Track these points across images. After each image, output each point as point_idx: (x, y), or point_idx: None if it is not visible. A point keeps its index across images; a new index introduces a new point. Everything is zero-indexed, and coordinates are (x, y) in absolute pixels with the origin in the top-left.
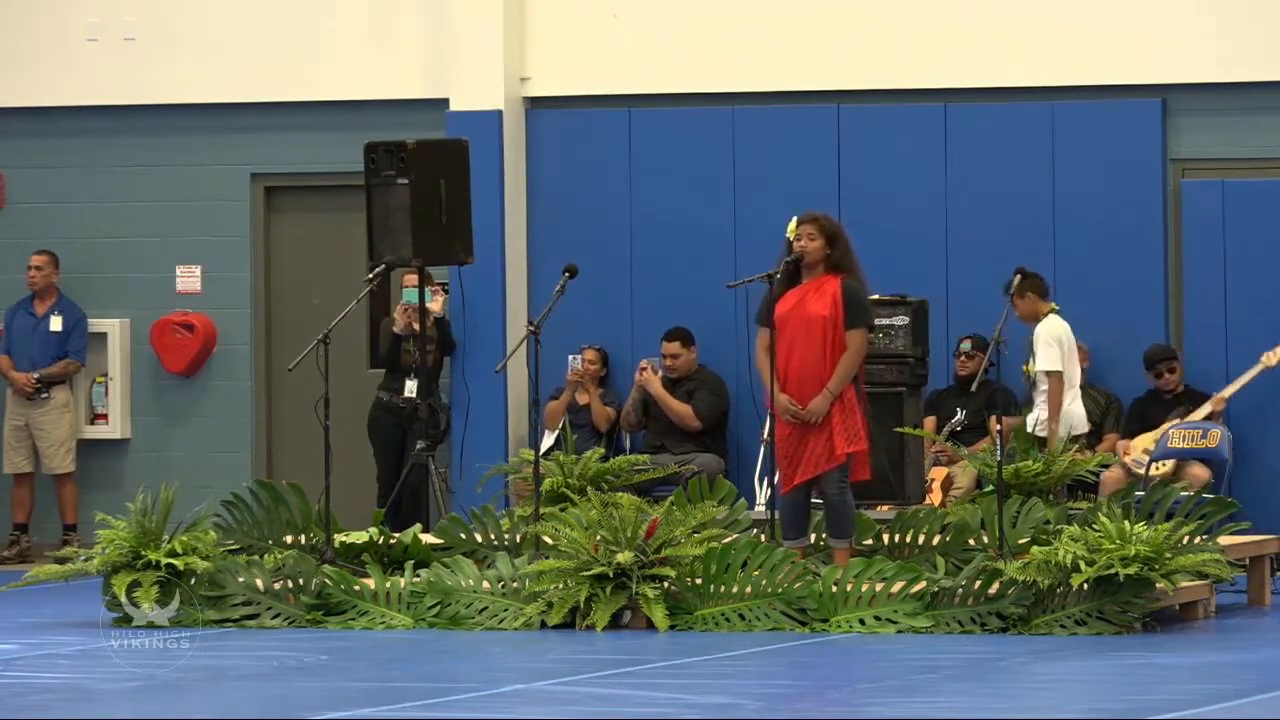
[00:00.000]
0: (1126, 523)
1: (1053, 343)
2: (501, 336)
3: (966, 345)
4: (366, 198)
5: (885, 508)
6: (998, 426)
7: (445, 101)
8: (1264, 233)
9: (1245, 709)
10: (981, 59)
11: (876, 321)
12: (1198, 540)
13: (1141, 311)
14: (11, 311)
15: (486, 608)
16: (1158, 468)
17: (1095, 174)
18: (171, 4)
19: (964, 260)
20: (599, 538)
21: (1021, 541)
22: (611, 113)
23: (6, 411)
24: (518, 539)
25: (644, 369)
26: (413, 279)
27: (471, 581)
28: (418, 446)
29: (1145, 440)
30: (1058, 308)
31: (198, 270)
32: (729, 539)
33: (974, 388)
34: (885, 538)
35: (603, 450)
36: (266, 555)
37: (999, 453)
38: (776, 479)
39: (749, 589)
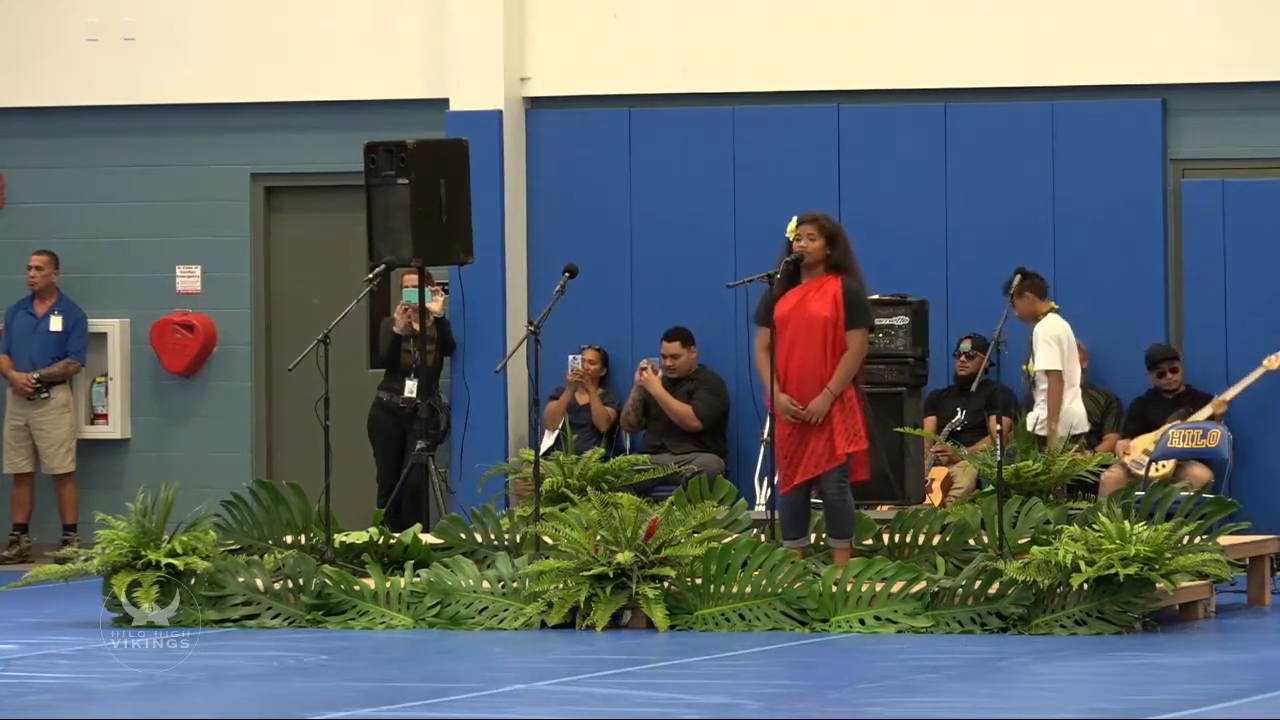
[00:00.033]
0: (1126, 523)
1: (1052, 342)
2: (501, 336)
3: (966, 345)
4: (366, 198)
5: (885, 508)
6: (998, 426)
7: (445, 101)
8: (1264, 233)
9: (1245, 709)
10: (981, 59)
11: (876, 321)
12: (1198, 540)
13: (1141, 311)
14: (11, 311)
15: (486, 608)
16: (1158, 468)
17: (1095, 174)
18: (171, 4)
19: (964, 260)
20: (599, 538)
21: (1021, 541)
22: (611, 113)
23: (6, 411)
24: (518, 539)
25: (644, 369)
26: (413, 279)
27: (471, 581)
28: (418, 446)
29: (1145, 441)
30: (1057, 307)
31: (198, 270)
32: (729, 539)
33: (974, 388)
34: (885, 538)
35: (603, 450)
36: (266, 555)
37: (999, 453)
38: (776, 479)
39: (749, 589)
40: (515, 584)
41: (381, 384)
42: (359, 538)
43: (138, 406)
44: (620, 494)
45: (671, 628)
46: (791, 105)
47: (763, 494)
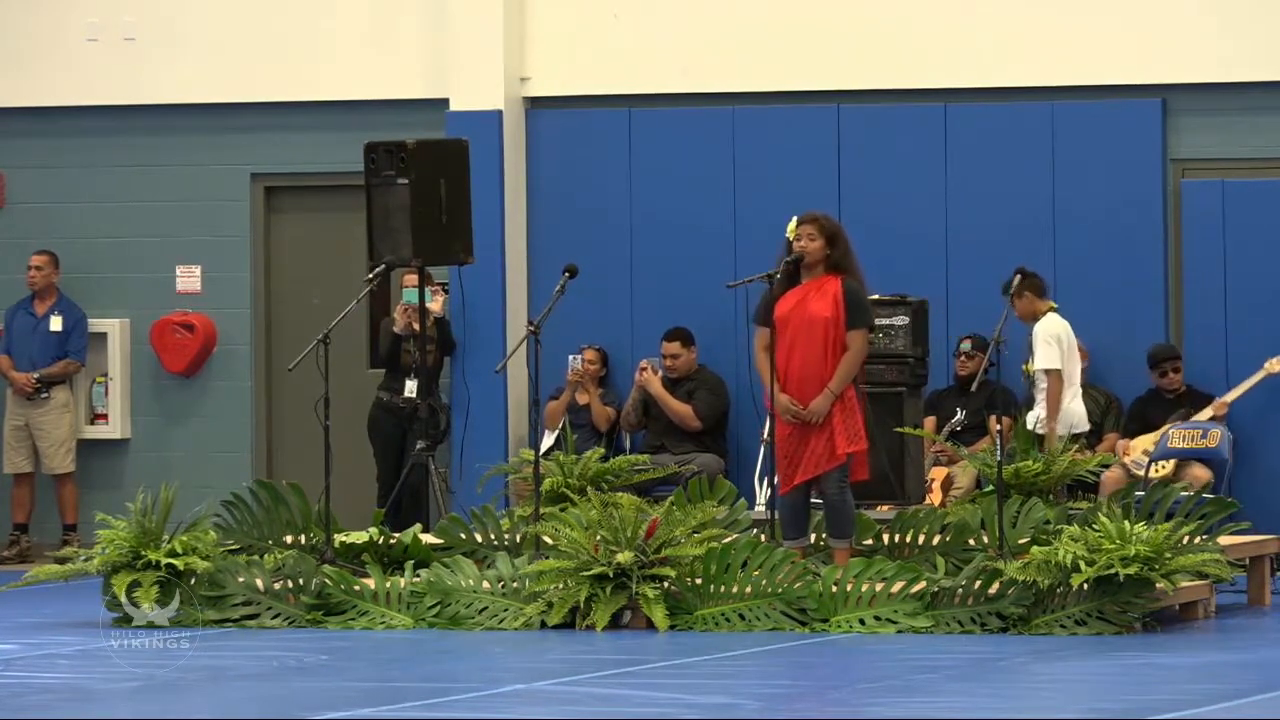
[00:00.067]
0: (1126, 523)
1: (1051, 341)
2: (501, 336)
3: (966, 345)
4: (366, 198)
5: (885, 508)
6: (998, 426)
7: (445, 101)
8: (1264, 233)
9: (1245, 709)
10: (981, 59)
11: (876, 321)
12: (1198, 540)
13: (1141, 311)
14: (11, 311)
15: (486, 608)
16: (1158, 468)
17: (1095, 174)
18: (171, 4)
19: (964, 260)
20: (599, 538)
21: (1021, 541)
22: (611, 113)
23: (6, 411)
24: (518, 539)
25: (644, 369)
26: (413, 279)
27: (471, 581)
28: (418, 446)
29: (1145, 441)
30: (1056, 306)
31: (198, 270)
32: (729, 539)
33: (974, 388)
34: (885, 538)
35: (603, 450)
36: (266, 555)
37: (999, 453)
38: (776, 479)
39: (749, 589)
40: (515, 584)
41: (381, 384)
42: (359, 538)
43: (138, 406)
44: (620, 494)
45: (671, 628)
46: (791, 105)
47: (763, 494)
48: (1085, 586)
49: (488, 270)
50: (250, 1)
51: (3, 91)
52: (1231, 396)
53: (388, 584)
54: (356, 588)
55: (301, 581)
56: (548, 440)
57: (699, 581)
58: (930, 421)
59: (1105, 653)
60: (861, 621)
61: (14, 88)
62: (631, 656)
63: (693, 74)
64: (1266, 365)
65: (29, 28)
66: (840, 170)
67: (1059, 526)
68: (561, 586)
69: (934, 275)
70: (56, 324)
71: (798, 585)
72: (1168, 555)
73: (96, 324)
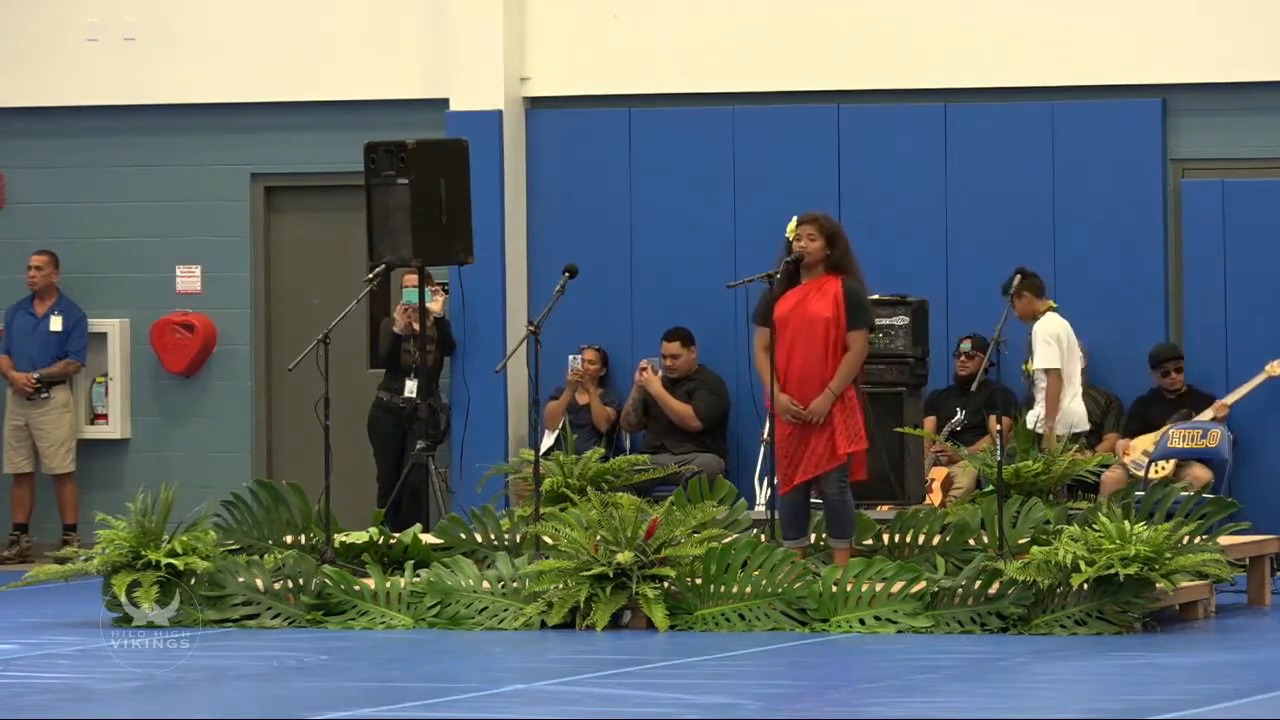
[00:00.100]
0: (1126, 523)
1: (1051, 340)
2: (501, 336)
3: (966, 345)
4: (366, 198)
5: (885, 508)
6: (998, 426)
7: (445, 101)
8: (1264, 233)
9: (1245, 709)
10: (981, 59)
11: (876, 321)
12: (1198, 540)
13: (1141, 311)
14: (11, 311)
15: (486, 608)
16: (1158, 469)
17: (1095, 174)
18: (171, 4)
19: (964, 260)
20: (599, 538)
21: (1021, 541)
22: (611, 113)
23: (6, 411)
24: (518, 539)
25: (644, 369)
26: (413, 279)
27: (471, 581)
28: (418, 446)
29: (1145, 441)
30: (1055, 305)
31: (198, 270)
32: (729, 539)
33: (974, 388)
34: (885, 538)
35: (603, 450)
36: (266, 555)
37: (999, 453)
38: (776, 479)
39: (749, 589)
40: (515, 584)
41: (381, 384)
42: (359, 538)
43: (138, 406)
44: (620, 494)
45: (671, 628)
46: (791, 105)
47: (763, 494)
48: (1085, 586)
49: (488, 270)
50: (250, 1)
51: (3, 91)
52: (1232, 398)
53: (388, 584)
54: (356, 588)
55: (301, 581)
56: (548, 440)
57: (699, 581)
58: (930, 421)
59: (1105, 653)
60: (861, 621)
61: (14, 88)
62: (631, 656)
63: (693, 74)
64: (1268, 368)
65: (29, 28)
66: (840, 170)
67: (1059, 526)
68: (561, 586)
69: (934, 275)
70: (56, 324)
71: (798, 585)
72: (1168, 555)
73: (96, 324)
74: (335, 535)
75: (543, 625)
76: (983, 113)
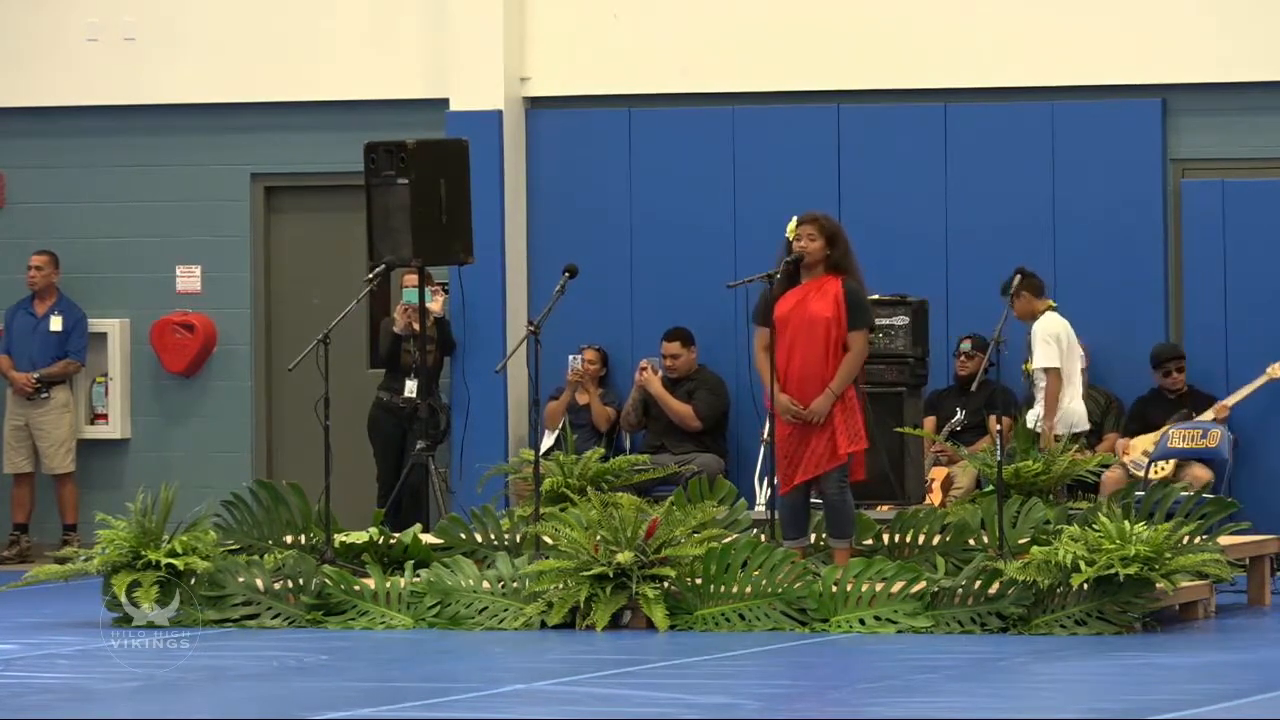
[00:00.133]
0: (1126, 523)
1: (1050, 340)
2: (501, 336)
3: (966, 345)
4: (366, 198)
5: (885, 508)
6: (998, 426)
7: (445, 101)
8: (1264, 233)
9: (1245, 709)
10: (981, 59)
11: (876, 321)
12: (1198, 540)
13: (1141, 311)
14: (11, 311)
15: (486, 608)
16: (1158, 469)
17: (1095, 174)
18: (171, 4)
19: (964, 260)
20: (599, 538)
21: (1021, 541)
22: (611, 113)
23: (6, 411)
24: (518, 539)
25: (644, 369)
26: (413, 279)
27: (471, 581)
28: (418, 446)
29: (1145, 441)
30: (1054, 305)
31: (198, 270)
32: (729, 539)
33: (974, 388)
34: (885, 538)
35: (603, 450)
36: (266, 555)
37: (999, 453)
38: (776, 479)
39: (749, 589)
40: (515, 584)
41: (381, 384)
42: (359, 538)
43: (138, 406)
44: (620, 494)
45: (671, 628)
46: (791, 105)
47: (763, 494)
48: (1085, 586)
49: (488, 270)
50: (250, 1)
51: (3, 91)
52: (1233, 400)
53: (388, 584)
54: (356, 588)
55: (301, 581)
56: (548, 440)
57: (699, 581)
58: (930, 421)
59: (1105, 653)
60: (861, 621)
61: (14, 88)
62: (631, 656)
63: (693, 74)
64: (1269, 370)
65: (29, 28)
66: (840, 170)
67: (1059, 526)
68: (561, 586)
69: (934, 275)
70: (56, 324)
71: (798, 585)
72: (1168, 555)
73: (96, 324)
74: (335, 535)
75: (543, 625)
76: (983, 113)
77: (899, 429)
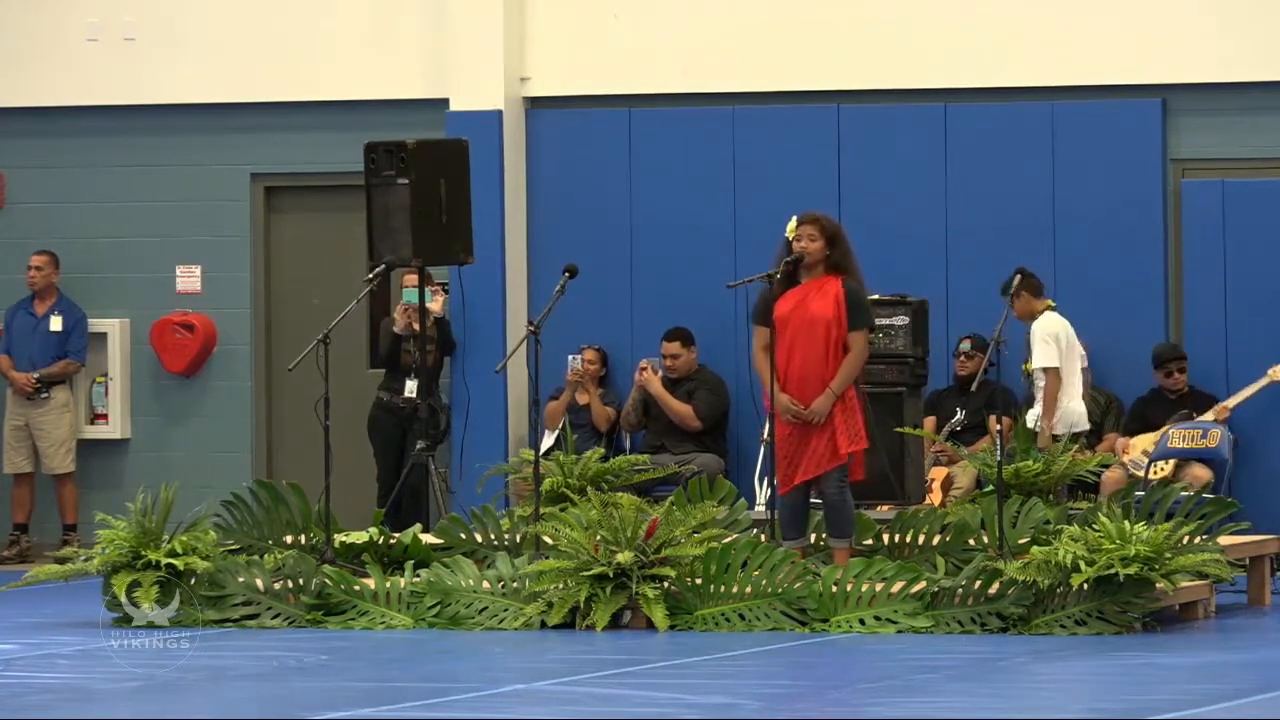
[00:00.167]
0: (1126, 523)
1: (1049, 340)
2: (501, 336)
3: (966, 345)
4: (366, 198)
5: (885, 508)
6: (998, 426)
7: (445, 101)
8: (1264, 233)
9: (1245, 709)
10: (981, 59)
11: (876, 321)
12: (1198, 540)
13: (1141, 311)
14: (11, 311)
15: (486, 608)
16: (1157, 469)
17: (1095, 174)
18: (171, 4)
19: (964, 260)
20: (599, 538)
21: (1021, 541)
22: (611, 113)
23: (6, 411)
24: (518, 539)
25: (644, 369)
26: (413, 279)
27: (471, 581)
28: (418, 446)
29: (1145, 441)
30: (1054, 304)
31: (198, 270)
32: (729, 539)
33: (974, 388)
34: (885, 538)
35: (603, 450)
36: (266, 555)
37: (999, 453)
38: (776, 479)
39: (749, 589)
40: (515, 584)
41: (381, 384)
42: (359, 538)
43: (138, 406)
44: (620, 494)
45: (671, 628)
46: (791, 105)
47: (763, 494)
48: (1085, 586)
49: (488, 270)
50: (250, 1)
51: (3, 91)
52: (1234, 401)
53: (388, 584)
54: (356, 588)
55: (301, 581)
56: (548, 440)
57: (699, 581)
58: (930, 421)
59: (1105, 653)
60: (861, 621)
61: (14, 88)
62: (631, 656)
63: (693, 74)
64: (1270, 372)
65: (29, 28)
66: (840, 170)
67: (1059, 526)
68: (561, 586)
69: (934, 275)
70: (56, 324)
71: (798, 585)
72: (1168, 555)
73: (96, 324)
74: (335, 535)
75: (543, 625)
76: (983, 113)
77: (899, 429)
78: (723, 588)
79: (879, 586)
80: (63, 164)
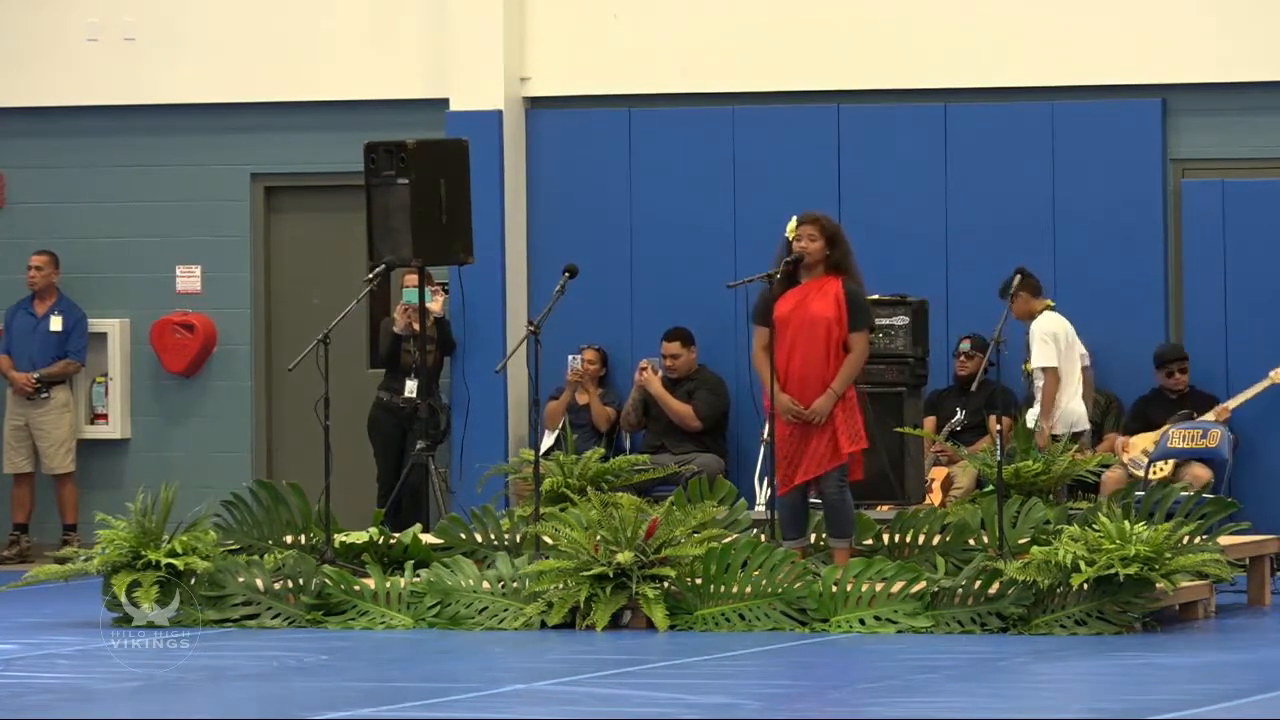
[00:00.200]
0: (1126, 523)
1: (1048, 339)
2: (501, 336)
3: (966, 345)
4: (366, 198)
5: (885, 508)
6: (998, 426)
7: (445, 101)
8: (1264, 233)
9: (1245, 709)
10: (981, 59)
11: (876, 321)
12: (1198, 540)
13: (1141, 311)
14: (11, 311)
15: (486, 608)
16: (1157, 469)
17: (1095, 174)
18: (171, 4)
19: (964, 260)
20: (599, 538)
21: (1021, 541)
22: (611, 113)
23: (6, 411)
24: (518, 539)
25: (644, 369)
26: (413, 279)
27: (471, 581)
28: (418, 446)
29: (1144, 440)
30: (1052, 304)
31: (198, 270)
32: (729, 539)
33: (974, 388)
34: (885, 538)
35: (603, 450)
36: (266, 555)
37: (999, 453)
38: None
39: (749, 589)
40: (515, 584)
41: (381, 384)
42: (359, 538)
43: (138, 406)
44: (620, 494)
45: (671, 628)
46: (791, 105)
47: (763, 494)
48: (1085, 586)
49: (488, 270)
50: (250, 1)
51: (3, 91)
52: (1234, 403)
53: (388, 584)
54: (356, 588)
55: (301, 581)
56: (548, 440)
57: (699, 581)
58: (930, 421)
59: (1105, 653)
60: (861, 621)
61: (14, 88)
62: (631, 656)
63: (693, 74)
64: (1271, 375)
65: (29, 28)
66: (840, 170)
67: (1059, 526)
68: (561, 586)
69: (934, 275)
70: (56, 324)
71: (798, 585)
72: (1168, 555)
73: (96, 324)
74: (335, 535)
75: (543, 625)
76: (983, 113)
77: (899, 429)
78: (723, 588)
79: (879, 586)
80: (63, 164)
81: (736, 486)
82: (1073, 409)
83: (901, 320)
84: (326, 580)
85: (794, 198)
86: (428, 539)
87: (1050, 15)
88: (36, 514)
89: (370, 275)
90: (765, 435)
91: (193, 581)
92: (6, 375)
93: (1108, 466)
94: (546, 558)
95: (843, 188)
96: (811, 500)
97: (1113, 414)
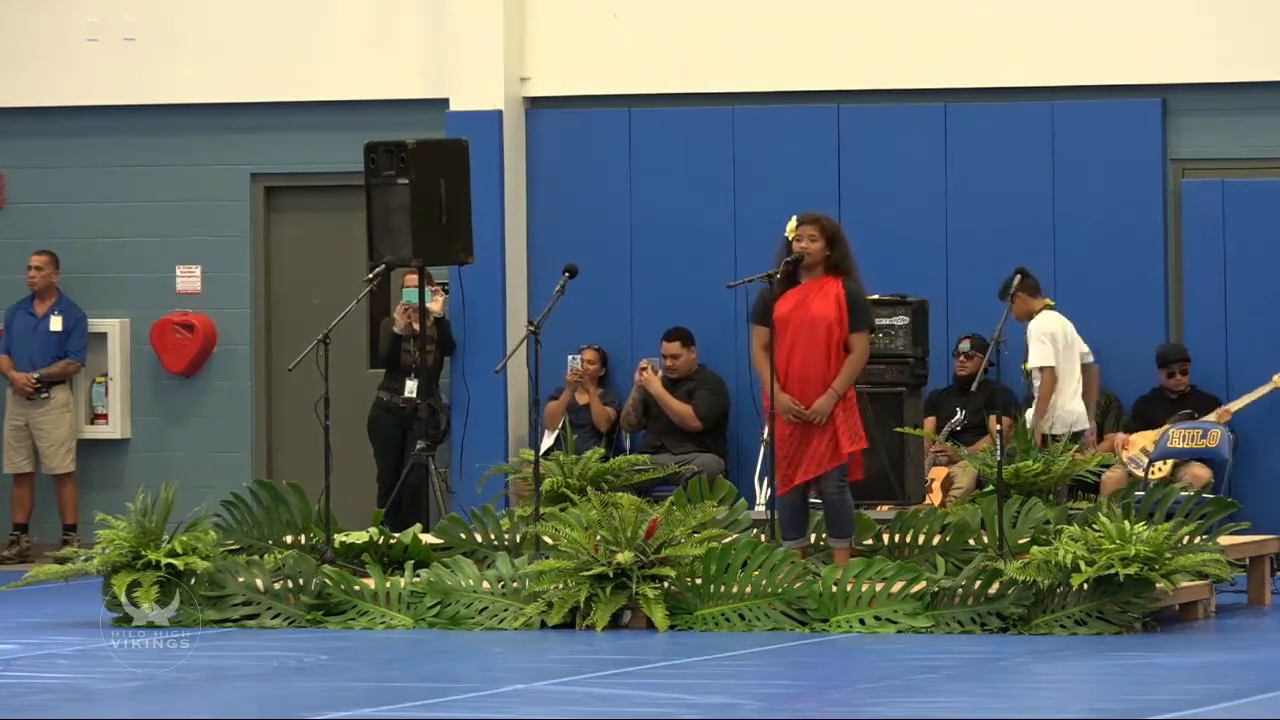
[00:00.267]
0: (1126, 523)
1: (1045, 339)
2: (501, 336)
3: (966, 345)
4: (366, 198)
5: (885, 508)
6: (997, 426)
7: (445, 101)
8: (1264, 233)
9: (1245, 709)
10: (981, 59)
11: (876, 321)
12: (1198, 540)
13: (1141, 311)
14: (11, 311)
15: (486, 608)
16: (1157, 469)
17: (1095, 174)
18: (171, 4)
19: (964, 260)
20: (599, 538)
21: (1021, 541)
22: (611, 113)
23: (6, 411)
24: (518, 539)
25: (644, 369)
26: (413, 279)
27: (471, 581)
28: (418, 446)
29: (1144, 438)
30: (1051, 304)
31: (198, 270)
32: (729, 539)
33: (974, 388)
34: (885, 538)
35: (603, 450)
36: (266, 555)
37: (999, 453)
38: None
39: (749, 589)
40: (515, 584)
41: (381, 384)
42: (359, 538)
43: (138, 406)
44: (620, 494)
45: (671, 628)
46: (791, 105)
47: (763, 494)
48: (1085, 586)
49: (488, 270)
50: (250, 1)
51: (3, 91)
52: (1236, 406)
53: (388, 584)
54: (356, 588)
55: (301, 581)
56: (548, 440)
57: (699, 581)
58: (930, 421)
59: (1105, 653)
60: (861, 621)
61: (14, 88)
62: (631, 656)
63: (693, 74)
64: (1275, 379)
65: (29, 28)
66: (840, 170)
67: (1059, 526)
68: (561, 586)
69: (934, 275)
70: (56, 324)
71: (798, 585)
72: (1168, 555)
73: (96, 324)
74: (335, 535)
75: (543, 625)
76: (983, 113)
77: (899, 429)
78: (723, 588)
79: (879, 586)
80: (63, 164)
81: (736, 486)
82: (1072, 408)
83: (901, 320)
84: (326, 580)
85: (794, 198)
86: (428, 539)
87: (1050, 15)
88: (36, 514)
89: (370, 275)
90: (765, 435)
91: (193, 581)
92: (6, 375)
93: (1108, 466)
94: (546, 558)
95: (843, 188)
96: (811, 500)
97: (1112, 414)
